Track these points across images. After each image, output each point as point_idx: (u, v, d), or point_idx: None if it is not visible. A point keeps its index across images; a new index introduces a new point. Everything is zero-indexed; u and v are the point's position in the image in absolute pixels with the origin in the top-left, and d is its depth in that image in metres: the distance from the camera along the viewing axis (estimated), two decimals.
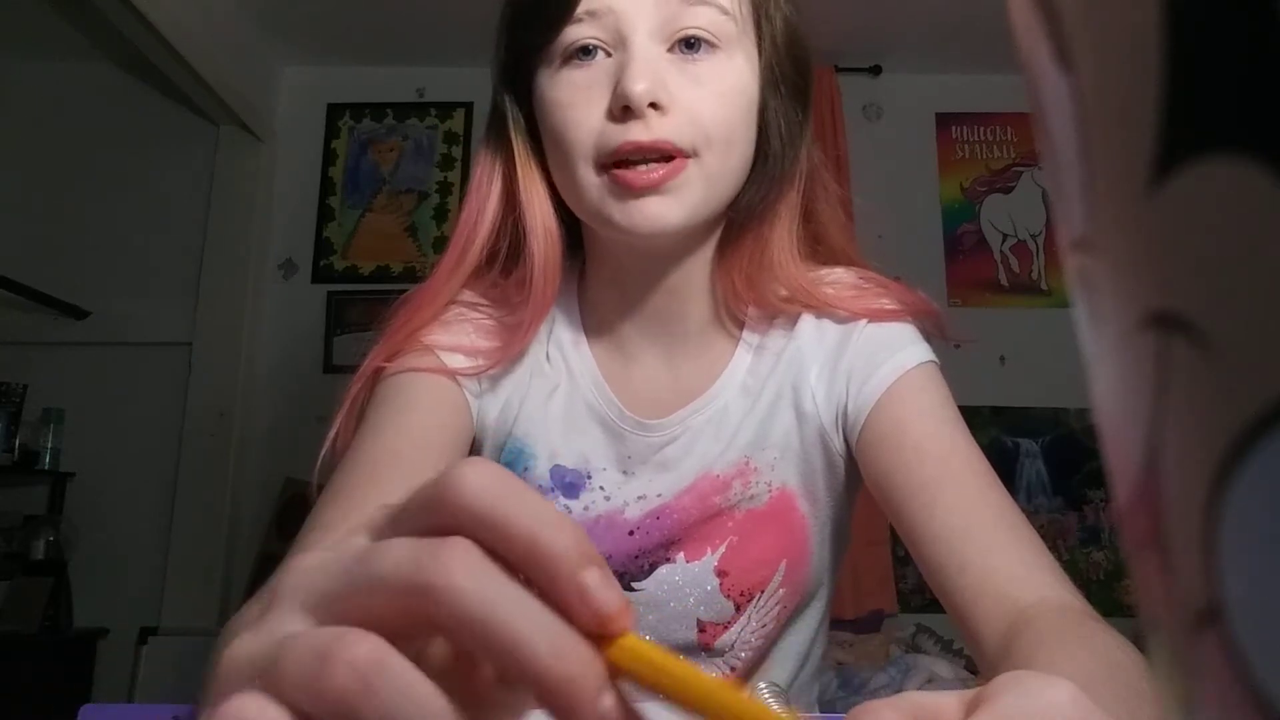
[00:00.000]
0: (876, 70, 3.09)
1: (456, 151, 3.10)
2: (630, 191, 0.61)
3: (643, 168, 0.61)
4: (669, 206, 0.62)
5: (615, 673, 0.23)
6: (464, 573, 0.22)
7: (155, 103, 3.01)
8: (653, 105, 0.61)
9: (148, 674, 2.57)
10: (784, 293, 0.69)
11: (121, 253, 2.96)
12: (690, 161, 0.62)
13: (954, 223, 3.04)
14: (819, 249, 0.74)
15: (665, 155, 0.61)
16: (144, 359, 2.91)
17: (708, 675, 0.24)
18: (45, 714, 2.41)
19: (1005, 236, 3.03)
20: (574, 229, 0.72)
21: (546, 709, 0.23)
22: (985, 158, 3.09)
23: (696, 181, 0.62)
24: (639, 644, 0.23)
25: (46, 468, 2.80)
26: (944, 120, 3.11)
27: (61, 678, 2.60)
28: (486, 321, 0.71)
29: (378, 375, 0.68)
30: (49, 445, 2.80)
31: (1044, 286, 2.99)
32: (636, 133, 0.60)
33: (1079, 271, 0.11)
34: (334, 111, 3.13)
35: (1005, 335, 2.83)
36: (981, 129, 3.10)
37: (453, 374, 0.69)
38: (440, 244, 3.01)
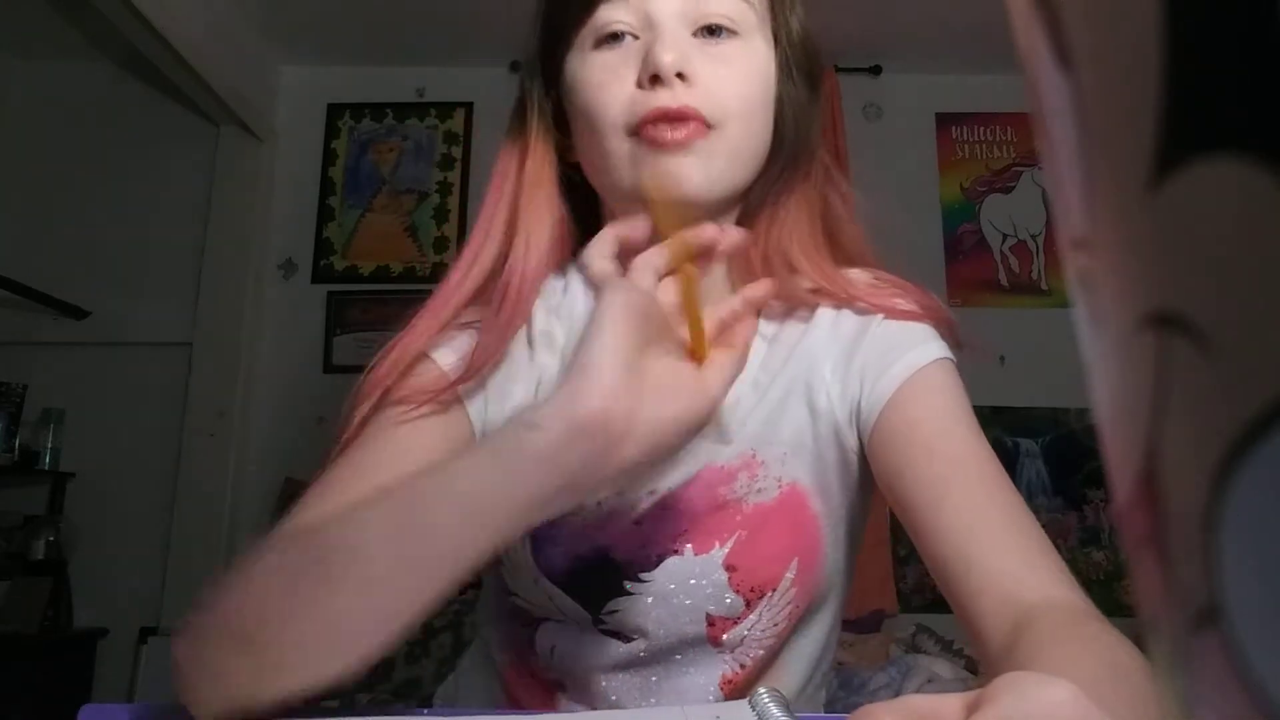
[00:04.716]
0: (876, 70, 3.09)
1: (456, 151, 3.10)
2: (660, 147, 0.63)
3: (669, 128, 0.63)
4: (693, 168, 0.63)
5: None
6: None
7: (155, 103, 3.01)
8: (679, 76, 0.63)
9: (148, 674, 2.57)
10: (809, 284, 0.70)
11: (121, 253, 2.96)
12: (713, 131, 0.64)
13: (954, 223, 3.04)
14: (836, 250, 0.74)
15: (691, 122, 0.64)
16: (144, 359, 2.91)
17: None
18: (45, 714, 2.41)
19: (1005, 236, 3.03)
20: (591, 227, 0.72)
21: None
22: (985, 158, 3.09)
23: (720, 150, 0.65)
24: None
25: (46, 468, 2.80)
26: (944, 120, 3.11)
27: (61, 678, 2.60)
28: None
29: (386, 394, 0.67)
30: (49, 445, 2.80)
31: (1044, 286, 2.99)
32: (664, 99, 0.63)
33: (1079, 271, 0.11)
34: (334, 111, 3.13)
35: (1005, 335, 2.83)
36: (981, 129, 3.10)
37: (455, 394, 0.67)
38: (440, 244, 3.01)
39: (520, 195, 0.70)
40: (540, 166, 0.70)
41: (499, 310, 0.68)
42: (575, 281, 0.72)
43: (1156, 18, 0.09)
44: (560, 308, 0.72)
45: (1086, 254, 0.11)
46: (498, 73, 3.11)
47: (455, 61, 3.08)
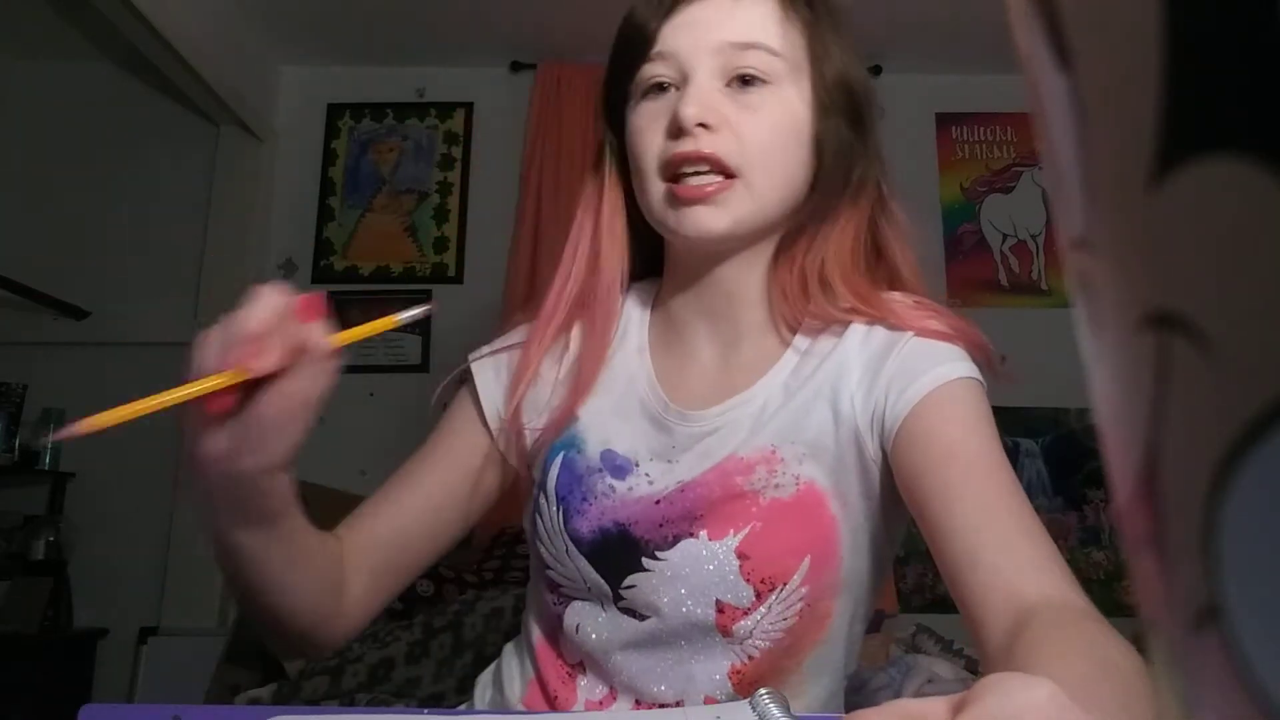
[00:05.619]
0: (876, 70, 3.08)
1: (456, 151, 3.10)
2: (682, 201, 0.72)
3: (694, 181, 0.71)
4: (715, 216, 0.72)
5: None
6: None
7: (155, 103, 3.00)
8: (703, 125, 0.71)
9: (148, 674, 2.57)
10: (844, 304, 0.74)
11: (121, 253, 2.96)
12: (737, 181, 0.72)
13: (954, 223, 3.04)
14: (885, 274, 0.79)
15: (715, 167, 0.71)
16: (144, 359, 2.90)
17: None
18: (45, 714, 2.41)
19: (1005, 236, 3.03)
20: (654, 253, 0.82)
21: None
22: (985, 158, 3.09)
23: (744, 198, 0.72)
24: None
25: (46, 468, 2.79)
26: (944, 120, 3.11)
27: (61, 678, 2.60)
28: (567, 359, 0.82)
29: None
30: (49, 445, 2.80)
31: (1044, 286, 2.98)
32: (686, 145, 0.71)
33: (1079, 271, 0.11)
34: (334, 111, 3.12)
35: (1005, 335, 2.81)
36: (981, 129, 3.10)
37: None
38: (440, 244, 3.01)
39: (600, 239, 0.80)
40: (613, 208, 0.81)
41: (593, 337, 0.80)
42: (631, 297, 0.84)
43: (1156, 18, 0.09)
44: (623, 342, 0.83)
45: (1086, 254, 0.11)
46: (498, 73, 3.11)
47: (455, 61, 3.08)
